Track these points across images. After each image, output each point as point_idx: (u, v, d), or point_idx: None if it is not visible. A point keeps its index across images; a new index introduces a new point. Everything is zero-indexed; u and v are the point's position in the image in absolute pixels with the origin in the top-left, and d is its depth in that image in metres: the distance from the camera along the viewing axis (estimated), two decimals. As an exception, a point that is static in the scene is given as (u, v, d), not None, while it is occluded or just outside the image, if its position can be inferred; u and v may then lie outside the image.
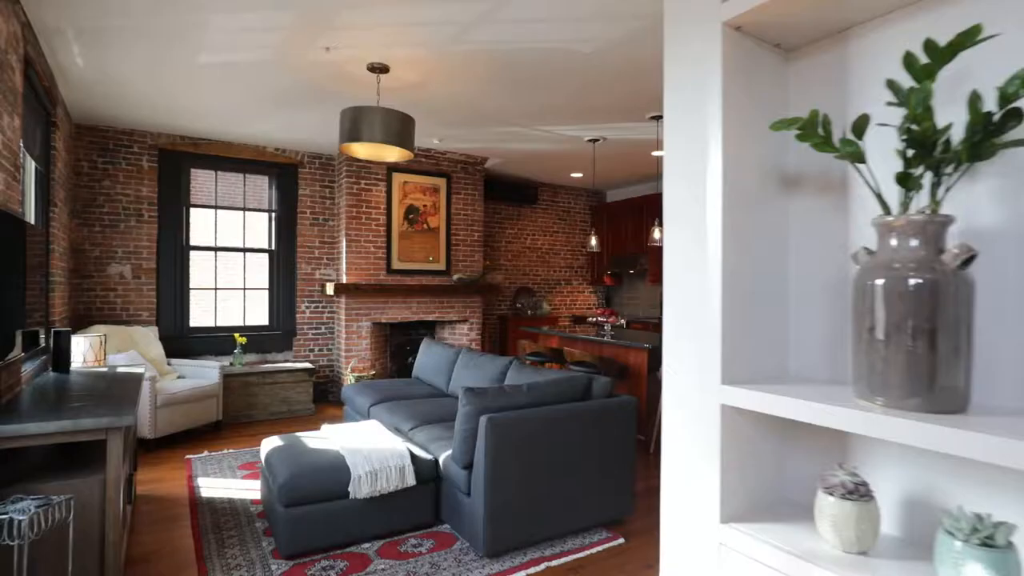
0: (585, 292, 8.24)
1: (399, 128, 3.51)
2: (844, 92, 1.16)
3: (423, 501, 2.89)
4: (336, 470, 2.69)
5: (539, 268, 7.84)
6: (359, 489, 2.66)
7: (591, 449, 2.87)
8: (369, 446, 2.90)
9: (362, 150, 3.76)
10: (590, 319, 7.86)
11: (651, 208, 7.08)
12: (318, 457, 2.76)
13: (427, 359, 4.83)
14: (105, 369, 3.21)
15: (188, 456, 4.08)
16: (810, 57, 1.23)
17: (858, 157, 0.98)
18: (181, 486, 3.51)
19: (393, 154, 3.77)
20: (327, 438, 3.11)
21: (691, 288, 1.22)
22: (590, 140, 5.40)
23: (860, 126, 0.97)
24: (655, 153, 5.88)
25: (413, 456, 2.88)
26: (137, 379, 2.91)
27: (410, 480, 2.79)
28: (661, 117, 4.58)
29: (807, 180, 1.24)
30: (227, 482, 3.56)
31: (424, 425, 3.40)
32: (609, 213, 7.81)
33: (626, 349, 4.56)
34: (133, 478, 3.05)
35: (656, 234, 4.82)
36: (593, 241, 5.61)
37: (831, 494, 1.02)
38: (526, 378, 3.43)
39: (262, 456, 3.01)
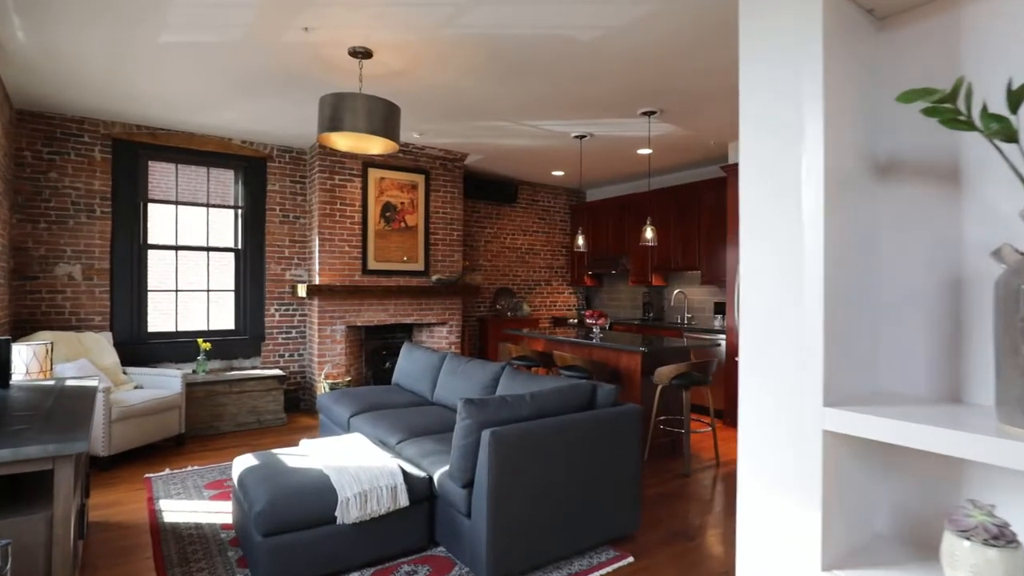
0: (565, 293, 8.08)
1: (384, 117, 3.25)
2: (954, 64, 1.00)
3: (416, 523, 2.64)
4: (320, 492, 2.42)
5: (519, 268, 7.64)
6: (347, 513, 2.40)
7: (597, 462, 2.68)
8: (356, 464, 2.64)
9: (343, 141, 3.49)
10: (571, 321, 7.71)
11: (634, 207, 6.97)
12: (300, 478, 2.49)
13: (408, 365, 4.57)
14: (52, 382, 2.85)
15: (148, 475, 3.71)
16: (908, 25, 1.06)
17: (1009, 135, 0.81)
18: (140, 510, 3.17)
19: (377, 146, 3.50)
20: (307, 455, 2.83)
21: (777, 295, 1.03)
22: (577, 136, 5.23)
23: (1018, 97, 0.80)
24: (641, 151, 5.76)
25: (405, 474, 2.63)
26: (90, 393, 2.58)
27: (403, 501, 2.54)
28: (653, 112, 4.44)
29: (904, 166, 1.07)
30: (193, 504, 3.23)
31: (413, 438, 3.16)
32: (590, 212, 7.67)
33: (618, 352, 4.40)
34: (86, 507, 2.70)
35: (648, 233, 4.67)
36: (580, 241, 5.44)
37: (968, 538, 0.85)
38: (521, 386, 3.22)
39: (234, 477, 2.72)
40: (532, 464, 2.46)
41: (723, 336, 5.55)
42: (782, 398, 1.03)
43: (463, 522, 2.49)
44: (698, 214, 6.16)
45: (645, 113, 4.47)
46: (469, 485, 2.46)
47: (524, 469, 2.43)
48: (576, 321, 7.66)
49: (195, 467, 3.88)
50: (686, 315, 6.52)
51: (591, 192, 8.21)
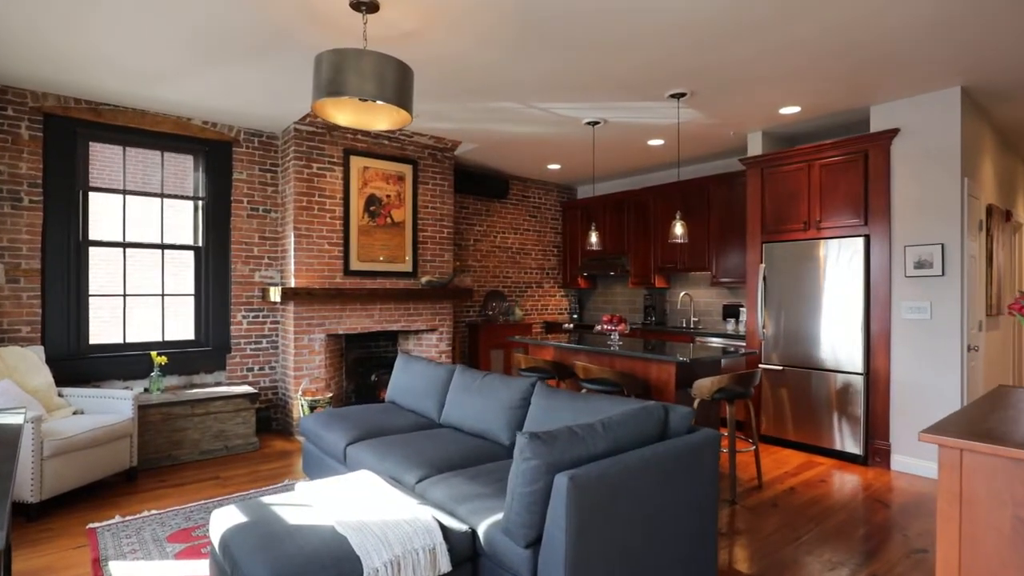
0: (557, 296, 7.59)
1: (397, 80, 2.66)
2: None
3: (458, 591, 2.07)
4: (339, 563, 1.82)
5: (509, 269, 7.10)
6: (377, 591, 1.81)
7: (676, 503, 2.18)
8: (378, 517, 2.05)
9: (343, 114, 2.87)
10: (565, 325, 7.23)
11: (635, 204, 6.54)
12: (308, 543, 1.88)
13: (406, 380, 3.97)
14: (-42, 418, 2.14)
15: (92, 525, 2.98)
16: None
17: None
18: (83, 578, 2.47)
19: (385, 119, 2.90)
20: (310, 505, 2.21)
21: None
22: (589, 123, 4.75)
23: None
24: (652, 142, 5.33)
25: (443, 529, 2.06)
26: (11, 437, 1.90)
27: (444, 566, 1.97)
28: (683, 95, 4.00)
29: None
30: (154, 567, 2.54)
31: (437, 475, 2.58)
32: (584, 210, 7.21)
33: (646, 362, 3.92)
34: (5, 591, 2.00)
35: (678, 229, 4.21)
36: (593, 238, 4.95)
37: None
38: (567, 408, 2.69)
39: (214, 539, 2.08)
40: (613, 513, 1.93)
41: (732, 340, 5.17)
42: None
43: (524, 591, 1.94)
44: (707, 211, 5.79)
45: (674, 95, 4.02)
46: (535, 543, 1.91)
47: (605, 520, 1.90)
48: (571, 325, 7.18)
49: (153, 511, 3.16)
50: (692, 318, 6.14)
51: (581, 189, 7.76)
